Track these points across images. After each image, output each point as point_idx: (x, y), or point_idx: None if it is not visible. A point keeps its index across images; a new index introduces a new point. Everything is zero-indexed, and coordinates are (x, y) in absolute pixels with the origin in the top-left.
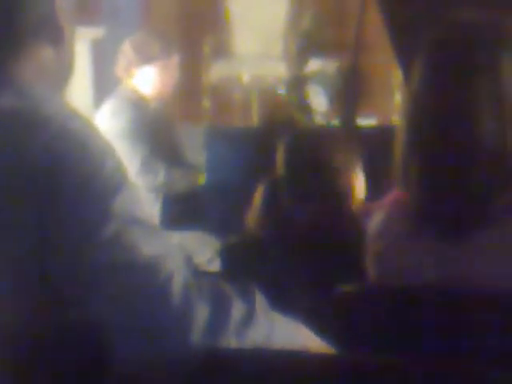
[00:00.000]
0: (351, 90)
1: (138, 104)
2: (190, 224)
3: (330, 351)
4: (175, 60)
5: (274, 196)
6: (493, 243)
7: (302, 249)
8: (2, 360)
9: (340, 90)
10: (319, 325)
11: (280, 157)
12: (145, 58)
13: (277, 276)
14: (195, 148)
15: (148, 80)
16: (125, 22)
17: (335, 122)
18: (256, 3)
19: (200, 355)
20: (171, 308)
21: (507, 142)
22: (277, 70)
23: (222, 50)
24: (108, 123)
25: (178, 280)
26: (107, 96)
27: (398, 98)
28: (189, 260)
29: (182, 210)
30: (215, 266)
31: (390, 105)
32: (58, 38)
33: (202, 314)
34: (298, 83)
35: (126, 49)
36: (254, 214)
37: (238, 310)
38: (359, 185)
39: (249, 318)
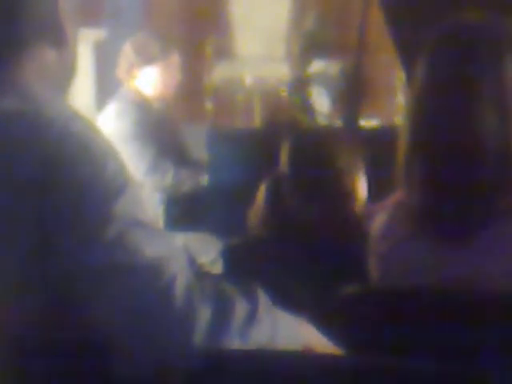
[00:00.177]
0: (354, 91)
1: (141, 105)
2: (193, 225)
3: (335, 349)
4: (176, 60)
5: (277, 196)
6: (496, 244)
7: (305, 249)
8: (2, 360)
9: (343, 91)
10: (322, 325)
11: (284, 156)
12: (146, 59)
13: (279, 276)
14: (198, 149)
15: (150, 81)
16: (127, 24)
17: (338, 123)
18: (258, 4)
19: (203, 356)
20: (174, 309)
21: (510, 143)
22: (279, 72)
23: (225, 52)
24: (112, 125)
25: (181, 281)
26: (109, 98)
27: (400, 99)
28: (192, 261)
29: (185, 210)
30: (218, 267)
31: (393, 106)
32: (60, 40)
33: (204, 314)
34: (300, 84)
35: (127, 50)
36: (256, 214)
37: (241, 310)
38: (362, 185)
39: (252, 318)
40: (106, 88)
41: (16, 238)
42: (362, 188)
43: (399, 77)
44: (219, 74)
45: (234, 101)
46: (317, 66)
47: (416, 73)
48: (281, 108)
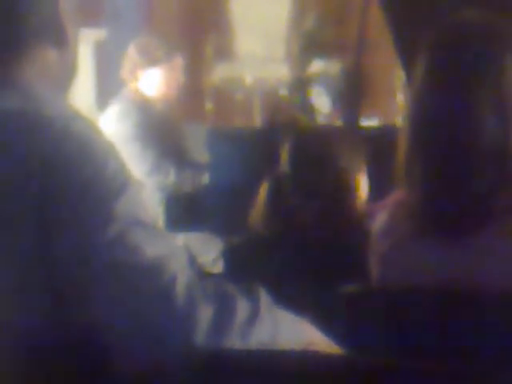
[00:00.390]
0: (354, 91)
1: (143, 107)
2: (194, 224)
3: (336, 348)
4: (179, 62)
5: (278, 195)
6: (496, 243)
7: (306, 248)
8: (2, 360)
9: (343, 90)
10: (323, 324)
11: (284, 156)
12: (149, 61)
13: (281, 275)
14: (198, 149)
15: (153, 83)
16: (127, 24)
17: (338, 123)
18: (258, 4)
19: (204, 355)
20: (175, 309)
21: (510, 143)
22: (279, 72)
23: (225, 52)
24: (115, 126)
25: (182, 281)
26: (110, 97)
27: (400, 98)
28: (193, 260)
29: (186, 210)
30: (219, 266)
31: (393, 105)
32: (61, 40)
33: (206, 314)
34: (300, 84)
35: (131, 52)
36: (257, 213)
37: (242, 309)
38: (363, 185)
39: (253, 317)
40: (107, 88)
41: (17, 237)
42: (362, 187)
43: (399, 76)
44: (219, 73)
45: (234, 101)
46: (317, 65)
47: (416, 72)
48: (281, 108)
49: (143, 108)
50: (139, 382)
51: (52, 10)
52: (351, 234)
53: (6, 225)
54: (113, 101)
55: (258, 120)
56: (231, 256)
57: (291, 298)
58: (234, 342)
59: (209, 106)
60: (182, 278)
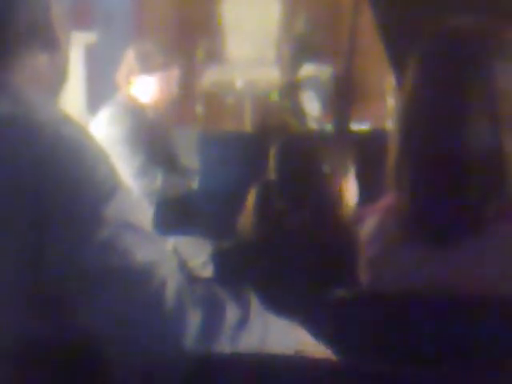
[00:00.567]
0: (345, 95)
1: (135, 112)
2: (184, 228)
3: (327, 353)
4: (175, 73)
5: (266, 200)
6: (486, 248)
7: (294, 253)
8: None
9: (333, 95)
10: (312, 330)
11: (272, 161)
12: (146, 68)
13: (269, 280)
14: (188, 153)
15: (147, 89)
16: (117, 27)
17: (328, 127)
18: (249, 8)
19: (194, 360)
20: (165, 313)
21: (499, 149)
22: (270, 75)
23: (216, 56)
24: (106, 130)
25: (172, 285)
26: (100, 101)
27: (391, 103)
28: (183, 265)
29: (176, 214)
30: (209, 270)
31: (384, 110)
32: (52, 44)
33: (195, 318)
34: (291, 88)
35: (129, 56)
36: (246, 218)
37: (232, 314)
38: (351, 189)
39: (243, 322)
40: (97, 91)
41: (8, 241)
42: (351, 192)
43: (390, 81)
44: (210, 77)
45: (225, 104)
46: (307, 69)
47: (406, 77)
48: (271, 112)
49: (135, 113)
50: None
51: (44, 14)
52: (340, 238)
53: (0, 230)
54: (105, 104)
55: (248, 124)
56: (221, 260)
57: (280, 303)
58: (224, 346)
59: (199, 109)
60: (172, 283)
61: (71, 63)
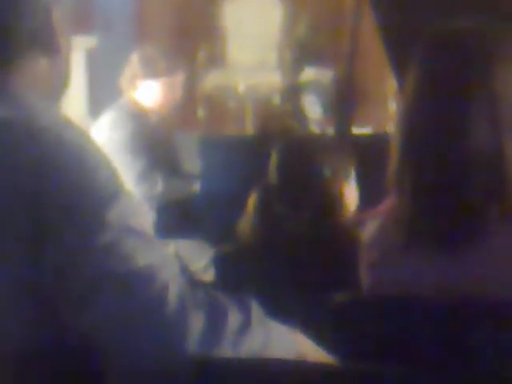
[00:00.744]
0: (346, 99)
1: (137, 117)
2: (185, 232)
3: (328, 358)
4: (180, 78)
5: (267, 204)
6: (488, 253)
7: (294, 257)
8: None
9: (335, 98)
10: (313, 334)
11: (272, 165)
12: (150, 73)
13: (270, 284)
14: (190, 157)
15: (150, 94)
16: (118, 31)
17: (330, 130)
18: (250, 12)
19: (196, 364)
20: (166, 317)
21: (500, 152)
22: (271, 80)
23: (217, 60)
24: (108, 135)
25: (173, 289)
26: (102, 105)
27: (392, 106)
28: (184, 269)
29: (177, 218)
30: (210, 274)
31: (385, 114)
32: (53, 49)
33: (197, 323)
34: (292, 92)
35: (134, 61)
36: (246, 221)
37: (233, 319)
38: (352, 193)
39: (244, 327)
40: (98, 95)
41: (11, 245)
42: (352, 196)
43: (391, 85)
44: (211, 81)
45: (226, 108)
46: (309, 73)
47: (407, 80)
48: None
49: (137, 118)
50: None
51: (45, 19)
52: (340, 242)
53: (1, 233)
54: (107, 109)
55: (250, 127)
56: (222, 264)
57: (280, 306)
58: (226, 350)
59: (201, 113)
60: (174, 287)
61: (72, 67)
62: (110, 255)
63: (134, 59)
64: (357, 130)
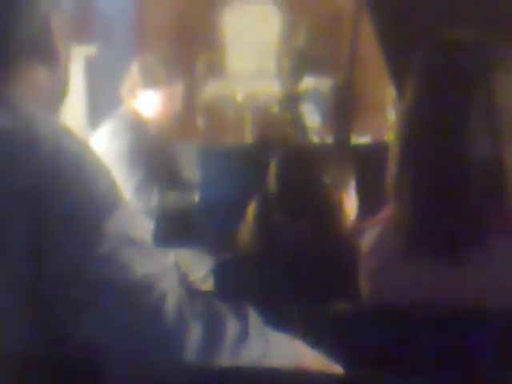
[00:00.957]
0: (345, 108)
1: (137, 127)
2: (184, 242)
3: (328, 366)
4: (180, 88)
5: (266, 213)
6: (488, 261)
7: (294, 266)
8: None
9: (333, 107)
10: (313, 343)
11: (271, 173)
12: (150, 82)
13: (270, 293)
14: (189, 166)
15: (150, 104)
16: (118, 40)
17: (329, 139)
18: (249, 21)
19: (194, 374)
20: (165, 327)
21: (500, 160)
22: (270, 88)
23: (216, 69)
24: (107, 145)
25: (172, 299)
26: (101, 114)
27: (391, 115)
28: (183, 278)
29: (176, 227)
30: (209, 284)
31: (384, 122)
32: (52, 57)
33: (195, 332)
34: (291, 101)
35: (133, 70)
36: (246, 230)
37: (231, 328)
38: (351, 201)
39: (243, 337)
40: (97, 104)
41: (10, 254)
42: (351, 204)
43: (390, 93)
44: (210, 90)
45: (226, 117)
46: (307, 82)
47: (406, 89)
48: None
49: (136, 128)
50: None
51: (44, 27)
52: (340, 251)
53: (0, 243)
54: (107, 118)
55: (249, 136)
56: (221, 273)
57: (280, 317)
58: (224, 360)
59: (200, 122)
60: (172, 296)
61: (71, 76)
62: (108, 265)
63: (134, 68)
64: (356, 139)
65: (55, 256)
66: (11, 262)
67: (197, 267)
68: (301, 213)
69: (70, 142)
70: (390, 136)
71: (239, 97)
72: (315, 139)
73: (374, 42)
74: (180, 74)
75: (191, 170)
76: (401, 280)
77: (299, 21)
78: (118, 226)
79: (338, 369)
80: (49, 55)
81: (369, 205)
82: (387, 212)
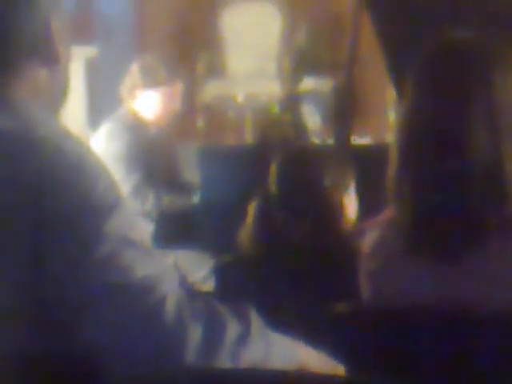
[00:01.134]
0: (345, 109)
1: (135, 128)
2: (184, 243)
3: (334, 366)
4: (179, 88)
5: (266, 214)
6: (487, 261)
7: (295, 267)
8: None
9: (334, 108)
10: (313, 344)
11: (272, 174)
12: (150, 82)
13: (270, 294)
14: (189, 167)
15: (149, 104)
16: (118, 41)
17: (329, 140)
18: (249, 22)
19: (194, 375)
20: (164, 328)
21: (500, 160)
22: (271, 89)
23: (216, 69)
24: (104, 145)
25: (172, 300)
26: (101, 114)
27: (392, 116)
28: (183, 279)
29: (176, 228)
30: (210, 285)
31: (384, 123)
32: (52, 58)
33: (195, 334)
34: (291, 102)
35: (133, 70)
36: (246, 232)
37: (232, 330)
38: (351, 203)
39: (244, 338)
40: (98, 105)
41: (10, 257)
42: (352, 205)
43: (390, 94)
44: (211, 91)
45: (226, 118)
46: (308, 83)
47: (406, 90)
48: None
49: (135, 129)
50: None
51: (44, 28)
52: (341, 252)
53: (1, 244)
54: (106, 119)
55: (249, 137)
56: (221, 274)
57: (280, 318)
58: (224, 361)
59: (200, 123)
60: (172, 298)
61: (72, 77)
62: (108, 266)
63: (134, 69)
64: (356, 140)
65: (55, 257)
66: (11, 262)
67: (197, 268)
68: (301, 213)
69: (70, 143)
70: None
71: (239, 97)
72: (315, 140)
73: (374, 43)
74: (180, 74)
75: (191, 171)
76: (401, 280)
77: (299, 21)
78: (117, 227)
79: (340, 369)
80: (49, 56)
81: (369, 205)
82: (387, 213)
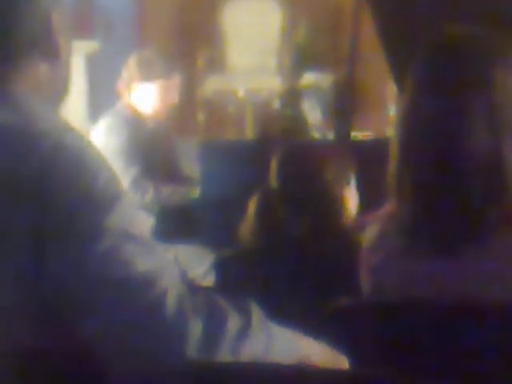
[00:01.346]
0: (346, 104)
1: (134, 122)
2: (185, 237)
3: (337, 357)
4: (177, 81)
5: (267, 209)
6: (488, 256)
7: (295, 262)
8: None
9: (334, 103)
10: (313, 338)
11: (272, 169)
12: (147, 75)
13: (271, 289)
14: (190, 162)
15: (147, 98)
16: (119, 36)
17: (330, 135)
18: (250, 17)
19: (195, 369)
20: (165, 322)
21: (500, 156)
22: (271, 84)
23: (217, 64)
24: (103, 140)
25: (173, 294)
26: (102, 109)
27: (392, 111)
28: (183, 274)
29: (177, 223)
30: (210, 279)
31: (385, 118)
32: (53, 53)
33: (196, 327)
34: (292, 97)
35: (131, 64)
36: (247, 226)
37: (233, 324)
38: (352, 197)
39: (245, 331)
40: (98, 100)
41: (12, 251)
42: (352, 200)
43: (391, 89)
44: (211, 86)
45: (226, 113)
46: (308, 78)
47: (407, 85)
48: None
49: (133, 123)
50: None
51: (45, 23)
52: (341, 246)
53: (1, 239)
54: (105, 113)
55: (249, 132)
56: (222, 269)
57: (281, 312)
58: (226, 355)
59: (200, 118)
60: (173, 292)
61: (72, 71)
62: (109, 260)
63: (131, 62)
64: (356, 135)
65: (56, 251)
66: (12, 257)
67: (197, 263)
68: (302, 208)
69: (70, 138)
70: (391, 131)
71: (240, 92)
72: (316, 135)
73: (375, 38)
74: (177, 67)
75: (192, 166)
76: (401, 276)
77: (300, 16)
78: (119, 221)
79: (344, 360)
80: (50, 51)
81: (369, 200)
82: (388, 208)
